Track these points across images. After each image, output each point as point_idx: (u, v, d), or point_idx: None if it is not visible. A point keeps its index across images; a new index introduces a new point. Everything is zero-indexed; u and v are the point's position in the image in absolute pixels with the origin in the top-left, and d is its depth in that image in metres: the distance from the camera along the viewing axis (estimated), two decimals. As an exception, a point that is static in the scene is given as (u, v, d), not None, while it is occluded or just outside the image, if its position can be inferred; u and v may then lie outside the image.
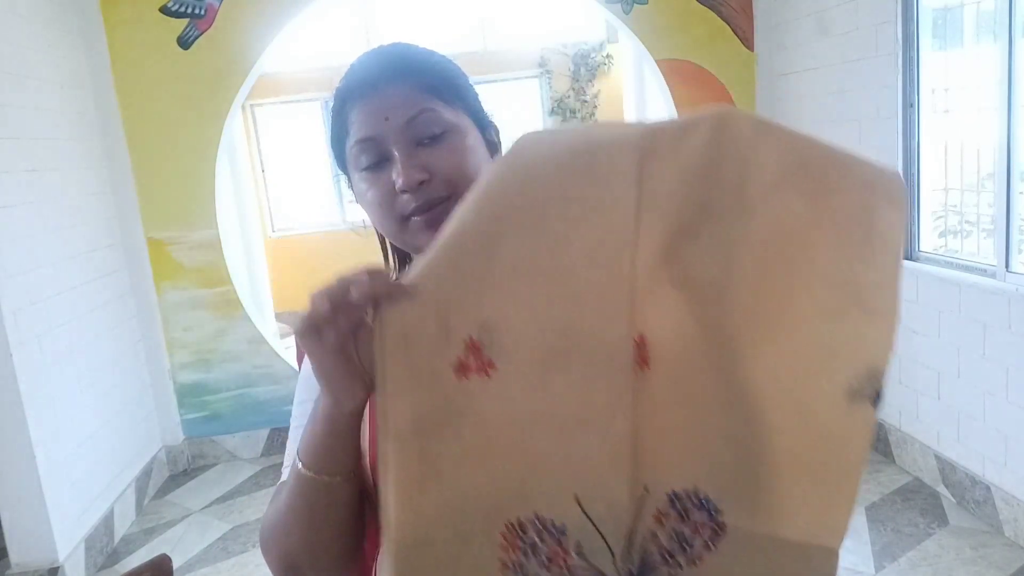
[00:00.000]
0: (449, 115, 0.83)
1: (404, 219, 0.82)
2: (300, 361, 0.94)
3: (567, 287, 0.62)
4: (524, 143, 0.63)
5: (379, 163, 0.82)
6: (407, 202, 0.80)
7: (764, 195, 0.61)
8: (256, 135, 6.79)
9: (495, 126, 0.90)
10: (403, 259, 1.00)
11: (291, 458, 0.88)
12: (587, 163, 0.61)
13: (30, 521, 2.74)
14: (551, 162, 0.62)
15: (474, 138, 0.85)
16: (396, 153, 0.80)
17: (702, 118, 0.61)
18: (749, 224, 0.61)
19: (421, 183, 0.79)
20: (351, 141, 0.84)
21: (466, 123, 0.85)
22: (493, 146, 0.89)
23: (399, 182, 0.79)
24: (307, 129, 6.88)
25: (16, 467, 2.70)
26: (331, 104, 0.88)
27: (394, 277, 0.99)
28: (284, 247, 6.89)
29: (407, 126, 0.80)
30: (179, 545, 3.16)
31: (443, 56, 0.87)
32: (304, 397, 0.92)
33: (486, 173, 0.64)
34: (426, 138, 0.81)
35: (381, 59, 0.85)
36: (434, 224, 0.79)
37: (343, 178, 0.92)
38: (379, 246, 0.99)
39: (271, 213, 6.95)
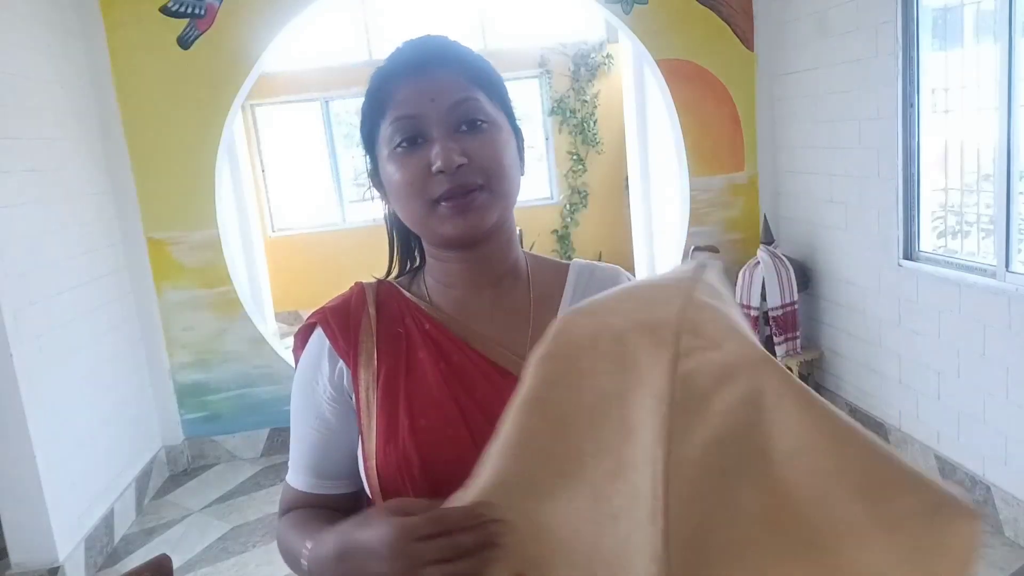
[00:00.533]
0: (491, 109, 0.83)
1: (434, 202, 0.81)
2: (297, 358, 0.94)
3: (603, 542, 0.61)
4: (547, 373, 0.64)
5: (415, 142, 0.81)
6: (440, 183, 0.80)
7: (787, 463, 0.57)
8: (256, 135, 6.79)
9: (522, 136, 0.91)
10: (405, 255, 0.98)
11: (296, 464, 0.91)
12: (619, 412, 0.61)
13: (30, 521, 2.74)
14: (583, 403, 0.62)
15: (509, 137, 0.86)
16: (436, 134, 0.80)
17: (740, 367, 0.59)
18: (770, 489, 0.58)
19: (459, 167, 0.79)
20: (389, 118, 0.82)
21: (503, 121, 0.86)
22: (519, 153, 0.89)
23: (438, 163, 0.79)
24: (307, 129, 6.88)
25: (16, 467, 2.70)
26: (368, 85, 0.87)
27: (393, 275, 0.96)
28: (284, 247, 6.89)
29: (451, 110, 0.80)
30: (179, 545, 3.16)
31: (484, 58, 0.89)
32: (300, 404, 0.91)
33: (514, 408, 0.66)
34: (467, 125, 0.81)
35: (431, 44, 0.85)
36: (463, 211, 0.81)
37: (360, 166, 0.92)
38: (387, 246, 0.98)
39: (271, 213, 6.94)
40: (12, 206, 2.77)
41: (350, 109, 7.13)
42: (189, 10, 3.54)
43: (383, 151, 0.84)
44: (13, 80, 2.88)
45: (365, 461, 0.85)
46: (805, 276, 3.72)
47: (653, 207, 5.83)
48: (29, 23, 3.05)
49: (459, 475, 0.79)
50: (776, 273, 3.57)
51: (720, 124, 3.95)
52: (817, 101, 3.53)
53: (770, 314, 3.62)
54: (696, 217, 4.04)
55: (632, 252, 6.33)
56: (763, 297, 3.61)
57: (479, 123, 0.81)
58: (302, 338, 0.93)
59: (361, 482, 0.88)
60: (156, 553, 1.58)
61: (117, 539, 3.23)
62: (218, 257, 3.75)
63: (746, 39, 3.89)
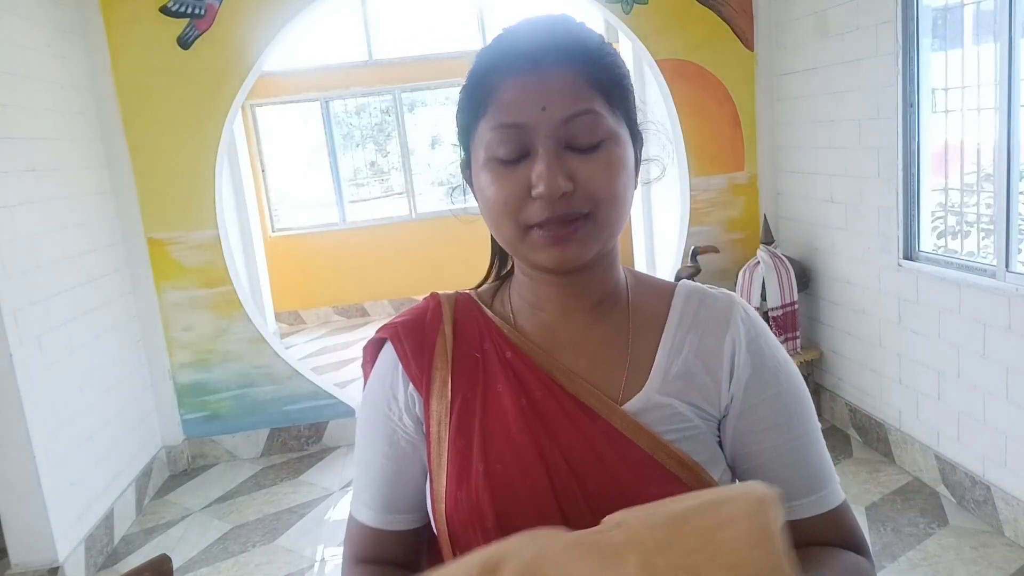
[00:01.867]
0: (610, 121, 0.71)
1: (528, 228, 0.70)
2: (366, 373, 0.86)
3: None
4: None
5: (516, 155, 0.70)
6: (539, 210, 0.69)
7: None
8: (256, 135, 6.79)
9: (642, 140, 0.79)
10: (499, 260, 0.89)
11: (363, 495, 0.82)
12: None
13: (30, 521, 2.74)
14: None
15: (628, 153, 0.73)
16: (542, 151, 0.69)
17: None
18: None
19: (563, 194, 0.68)
20: (490, 120, 0.71)
21: (624, 134, 0.73)
22: (638, 164, 0.78)
23: (539, 187, 0.68)
24: (307, 129, 6.88)
25: (16, 467, 2.70)
26: (472, 66, 0.75)
27: (489, 283, 0.87)
28: (284, 247, 6.89)
29: (564, 124, 0.69)
30: (179, 545, 3.16)
31: (611, 46, 0.74)
32: (370, 428, 0.83)
33: None
34: (580, 142, 0.69)
35: (547, 31, 0.72)
36: (560, 242, 0.70)
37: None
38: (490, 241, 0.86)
39: (271, 213, 6.94)
40: (12, 206, 2.77)
41: (350, 109, 7.14)
42: (189, 10, 3.54)
43: (479, 153, 0.73)
44: (13, 80, 2.88)
45: (434, 503, 0.77)
46: (805, 276, 3.72)
47: (653, 207, 5.83)
48: (29, 23, 3.05)
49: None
50: (776, 273, 3.57)
51: (720, 124, 3.95)
52: (817, 101, 3.53)
53: (770, 314, 3.62)
54: (696, 217, 4.04)
55: (632, 252, 6.33)
56: (763, 297, 3.62)
57: (595, 140, 0.70)
58: (372, 352, 0.84)
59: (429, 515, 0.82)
60: (156, 553, 1.58)
61: (117, 539, 3.23)
62: (218, 257, 3.75)
63: (746, 39, 3.89)
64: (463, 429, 0.75)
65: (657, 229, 5.77)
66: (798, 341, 3.68)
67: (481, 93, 0.72)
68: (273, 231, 6.93)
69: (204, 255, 3.74)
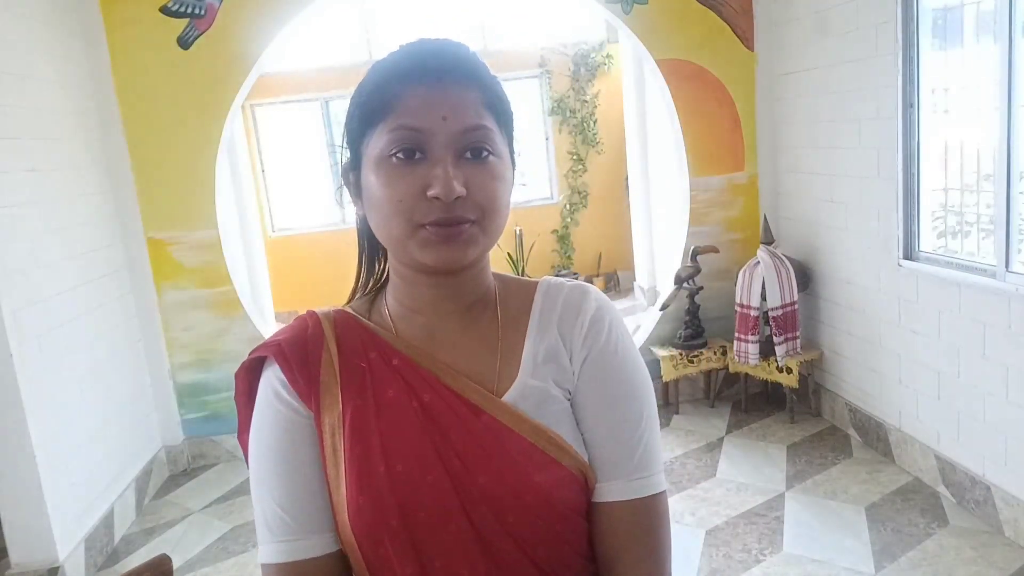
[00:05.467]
0: (499, 140, 0.78)
1: (419, 226, 0.74)
2: (242, 403, 0.86)
3: None
4: None
5: (412, 156, 0.74)
6: (431, 210, 0.73)
7: None
8: (256, 135, 6.79)
9: (516, 166, 0.85)
10: (369, 272, 0.91)
11: (269, 531, 0.79)
12: None
13: (30, 521, 2.74)
14: None
15: (510, 172, 0.80)
16: (439, 156, 0.74)
17: None
18: None
19: (457, 197, 0.73)
20: (390, 123, 0.74)
21: (507, 155, 0.80)
22: (513, 184, 0.84)
23: (437, 188, 0.72)
24: (307, 129, 6.88)
25: (16, 467, 2.70)
26: (367, 75, 0.79)
27: (359, 298, 0.89)
28: (284, 247, 6.89)
29: (463, 134, 0.74)
30: (179, 545, 3.16)
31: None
32: (264, 453, 0.81)
33: None
34: (472, 153, 0.75)
35: (451, 52, 0.77)
36: (448, 241, 0.75)
37: (341, 161, 0.83)
38: (358, 259, 0.91)
39: (271, 213, 6.94)
40: (12, 206, 2.77)
41: (350, 109, 7.14)
42: (189, 10, 3.54)
43: (371, 153, 0.76)
44: (13, 80, 2.88)
45: (336, 514, 0.77)
46: (805, 276, 3.72)
47: (653, 207, 5.83)
48: (29, 23, 3.05)
49: (440, 526, 0.75)
50: (776, 273, 3.57)
51: (720, 124, 3.95)
52: (817, 101, 3.53)
53: (770, 314, 3.62)
54: (696, 217, 4.04)
55: (632, 252, 6.33)
56: (763, 297, 3.62)
57: (486, 154, 0.76)
58: (247, 376, 0.85)
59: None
60: (156, 553, 1.58)
61: (117, 539, 3.23)
62: (218, 257, 3.75)
63: (746, 39, 3.89)
64: (359, 436, 0.77)
65: (657, 229, 5.77)
66: (798, 341, 3.68)
67: (382, 99, 0.75)
68: (273, 231, 6.94)
69: (204, 255, 3.74)
